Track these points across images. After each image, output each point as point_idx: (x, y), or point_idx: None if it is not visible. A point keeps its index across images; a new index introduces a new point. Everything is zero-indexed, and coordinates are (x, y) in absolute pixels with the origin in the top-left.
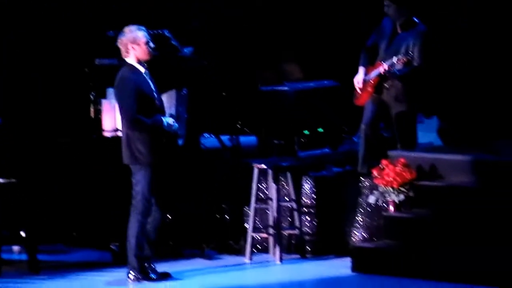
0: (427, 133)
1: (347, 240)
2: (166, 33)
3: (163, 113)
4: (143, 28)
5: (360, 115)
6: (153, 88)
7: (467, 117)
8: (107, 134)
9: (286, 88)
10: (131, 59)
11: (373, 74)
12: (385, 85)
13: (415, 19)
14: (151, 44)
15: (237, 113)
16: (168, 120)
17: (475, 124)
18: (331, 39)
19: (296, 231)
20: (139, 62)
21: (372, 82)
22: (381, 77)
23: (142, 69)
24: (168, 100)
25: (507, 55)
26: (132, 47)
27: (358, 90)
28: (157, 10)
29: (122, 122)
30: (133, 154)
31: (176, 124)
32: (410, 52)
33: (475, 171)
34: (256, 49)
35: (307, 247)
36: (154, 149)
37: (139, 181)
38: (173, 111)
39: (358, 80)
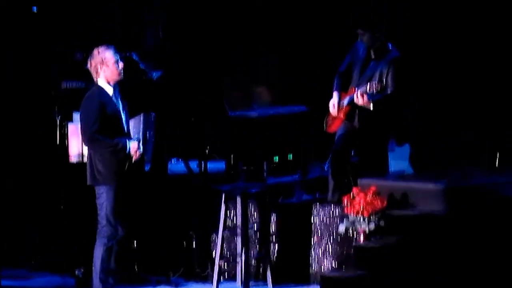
0: (399, 161)
1: (316, 268)
2: (134, 56)
3: (129, 136)
4: (112, 48)
5: (331, 141)
6: (120, 111)
7: (439, 144)
8: (72, 158)
9: (255, 113)
10: (101, 80)
11: (346, 100)
12: (358, 111)
13: (389, 45)
14: (121, 64)
15: (206, 138)
16: (132, 143)
17: (447, 151)
18: (302, 63)
19: (264, 259)
20: (109, 83)
21: (345, 108)
22: (354, 104)
23: (110, 91)
24: (135, 124)
25: (476, 82)
26: (101, 68)
27: (334, 114)
28: (125, 32)
29: (83, 141)
30: (94, 174)
31: (142, 149)
32: (383, 79)
33: (447, 199)
34: (225, 71)
35: (275, 275)
36: (115, 171)
37: (103, 205)
38: (140, 135)
39: (334, 104)
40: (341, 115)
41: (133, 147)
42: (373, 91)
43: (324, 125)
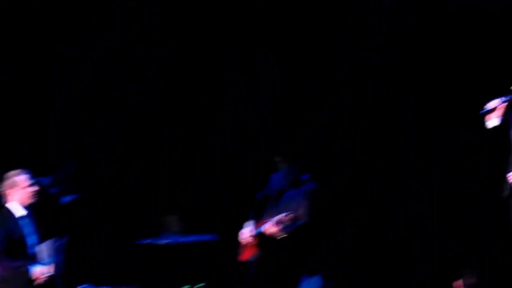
0: None
1: None
2: (46, 180)
3: (35, 260)
4: (24, 172)
5: (243, 270)
6: (27, 234)
7: (352, 277)
8: None
9: (164, 241)
10: (11, 203)
11: (259, 229)
12: (270, 241)
13: (304, 177)
14: (32, 188)
15: (115, 265)
16: (37, 267)
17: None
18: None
19: None
20: (20, 206)
21: (257, 237)
22: (267, 234)
23: (20, 213)
24: (46, 247)
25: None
26: (12, 192)
27: (246, 243)
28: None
29: None
30: None
31: (50, 273)
32: (297, 210)
33: None
34: (137, 199)
35: None
36: None
37: None
38: (49, 259)
39: (244, 234)
40: (254, 244)
41: (38, 271)
42: (286, 221)
43: (237, 253)
